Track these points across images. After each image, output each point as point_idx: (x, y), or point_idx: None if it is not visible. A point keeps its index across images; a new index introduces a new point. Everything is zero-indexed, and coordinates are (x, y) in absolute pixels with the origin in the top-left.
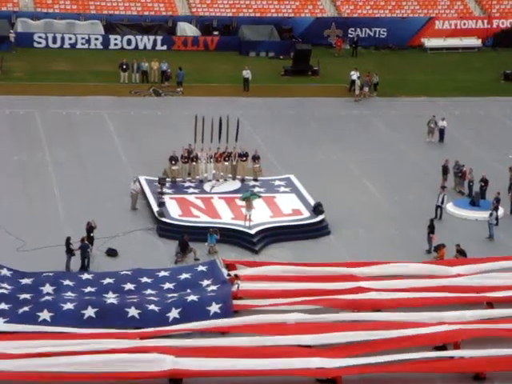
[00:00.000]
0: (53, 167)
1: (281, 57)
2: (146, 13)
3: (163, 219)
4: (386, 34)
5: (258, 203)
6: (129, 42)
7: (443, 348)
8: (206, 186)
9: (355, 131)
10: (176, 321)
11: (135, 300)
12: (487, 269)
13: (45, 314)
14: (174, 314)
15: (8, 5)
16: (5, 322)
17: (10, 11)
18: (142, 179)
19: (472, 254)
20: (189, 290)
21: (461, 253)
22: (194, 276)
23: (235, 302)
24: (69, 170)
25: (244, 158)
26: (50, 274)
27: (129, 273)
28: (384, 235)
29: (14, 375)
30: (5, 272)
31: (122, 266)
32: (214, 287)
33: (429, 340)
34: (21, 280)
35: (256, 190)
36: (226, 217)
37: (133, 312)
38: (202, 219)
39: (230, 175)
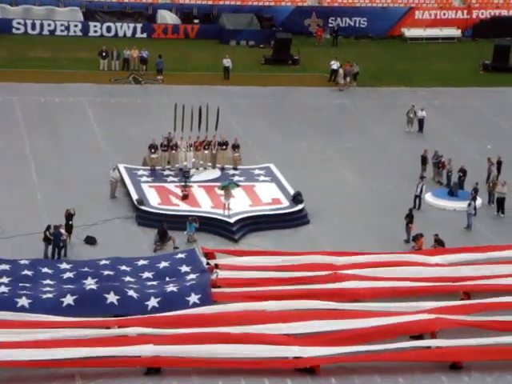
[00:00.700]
0: (32, 155)
1: (261, 45)
2: (126, 0)
3: (142, 207)
4: (366, 23)
5: (237, 192)
6: (108, 30)
7: (420, 337)
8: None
9: (335, 121)
10: (155, 310)
11: (114, 284)
12: (465, 259)
13: (23, 301)
14: (153, 302)
15: None
16: None
17: None
18: (122, 167)
19: (450, 244)
20: (168, 279)
21: (439, 242)
22: (172, 265)
23: (214, 290)
24: (48, 157)
25: (224, 147)
26: (27, 262)
27: (107, 262)
28: (363, 225)
29: None
30: None
31: (100, 254)
32: (193, 276)
33: (406, 329)
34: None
35: (236, 178)
36: (205, 205)
37: (112, 298)
38: (181, 208)
39: (210, 164)
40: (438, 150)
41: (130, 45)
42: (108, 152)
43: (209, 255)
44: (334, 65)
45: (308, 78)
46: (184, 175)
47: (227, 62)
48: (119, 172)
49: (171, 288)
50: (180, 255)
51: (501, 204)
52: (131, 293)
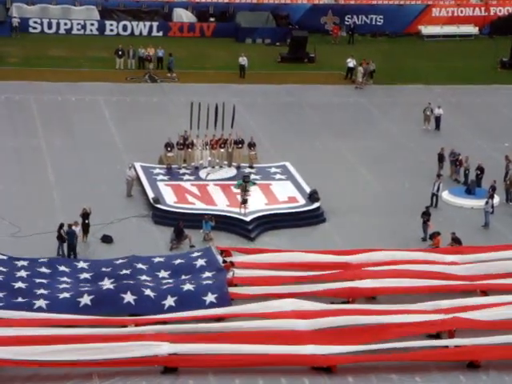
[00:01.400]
0: (48, 153)
1: (277, 44)
2: None
3: (158, 206)
4: (382, 21)
5: (253, 190)
6: (124, 28)
7: (437, 336)
8: (202, 173)
9: (351, 119)
10: (171, 309)
11: (131, 283)
12: (482, 257)
13: (41, 302)
14: (169, 301)
15: None
16: (0, 308)
17: None
18: (138, 166)
19: (467, 242)
20: (184, 278)
21: (456, 241)
22: (188, 263)
23: (231, 289)
24: (64, 156)
25: (240, 145)
26: (45, 260)
27: (124, 260)
28: (379, 223)
29: (12, 362)
30: (1, 257)
31: (116, 252)
32: (209, 274)
33: (424, 328)
34: (16, 262)
35: (252, 177)
36: (221, 204)
37: (128, 298)
38: (197, 206)
39: (226, 162)
40: (455, 147)
41: (146, 43)
42: (124, 150)
43: (225, 253)
44: (351, 63)
45: (324, 76)
46: (244, 179)
47: (243, 61)
48: (135, 170)
49: (188, 287)
50: (196, 253)
51: None
52: (148, 292)
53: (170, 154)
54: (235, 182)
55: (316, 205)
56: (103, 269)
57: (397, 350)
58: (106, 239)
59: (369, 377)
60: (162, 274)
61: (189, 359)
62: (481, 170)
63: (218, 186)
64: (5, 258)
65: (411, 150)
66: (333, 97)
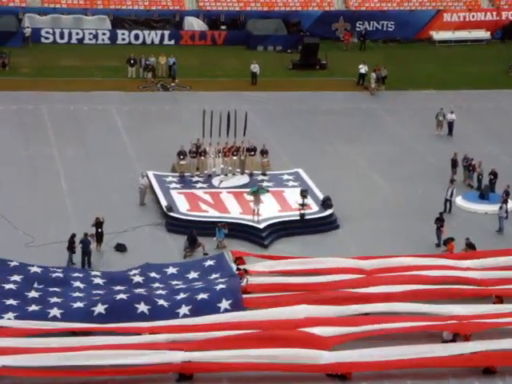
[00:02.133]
0: (61, 162)
1: (288, 51)
2: (154, 7)
3: (172, 214)
4: (393, 27)
5: (266, 198)
6: (136, 37)
7: (453, 341)
8: (215, 181)
9: (364, 125)
10: (186, 317)
11: (144, 293)
12: (496, 262)
13: (55, 311)
14: (184, 310)
15: (15, 0)
16: (15, 317)
17: (17, 7)
18: (151, 174)
19: (481, 248)
20: (198, 286)
21: (470, 246)
22: (202, 271)
23: (245, 296)
24: (77, 165)
25: (252, 153)
26: (58, 270)
27: (137, 271)
28: (393, 229)
29: (27, 372)
30: (14, 263)
31: (130, 261)
32: (222, 281)
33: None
34: (30, 271)
35: (264, 184)
36: (234, 211)
37: (142, 308)
38: (210, 214)
39: (239, 170)
40: (468, 152)
41: (157, 52)
42: (137, 159)
43: (239, 261)
44: (362, 69)
45: (336, 83)
46: (301, 193)
47: (255, 68)
48: (148, 179)
49: (202, 296)
50: (209, 261)
51: None
52: (161, 302)
53: (182, 162)
54: (248, 190)
55: (329, 211)
56: (116, 279)
57: (412, 355)
58: (120, 248)
59: (383, 383)
60: (176, 282)
61: (203, 366)
62: (494, 174)
63: (231, 193)
64: (17, 264)
65: (424, 155)
66: (345, 103)
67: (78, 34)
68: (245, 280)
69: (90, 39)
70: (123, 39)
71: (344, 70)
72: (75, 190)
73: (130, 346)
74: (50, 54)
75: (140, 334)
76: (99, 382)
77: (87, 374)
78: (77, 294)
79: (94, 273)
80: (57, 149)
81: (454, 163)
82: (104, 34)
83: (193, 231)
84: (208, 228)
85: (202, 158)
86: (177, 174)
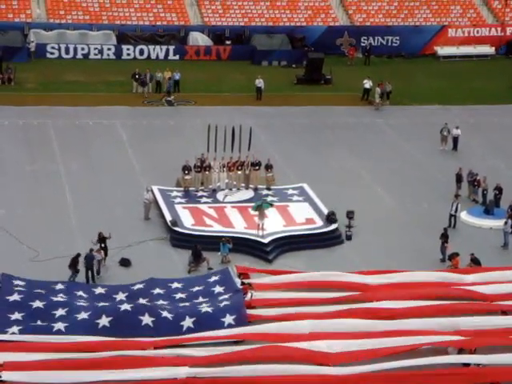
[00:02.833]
0: (66, 177)
1: (293, 66)
2: (159, 23)
3: (176, 229)
4: (398, 42)
5: (271, 212)
6: (141, 52)
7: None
8: (219, 196)
9: (368, 140)
10: (190, 330)
11: (148, 304)
12: (502, 277)
13: (59, 325)
14: (188, 323)
15: (21, 16)
16: (20, 331)
17: (23, 22)
18: (155, 189)
19: (486, 263)
20: (202, 300)
21: (475, 261)
22: (206, 286)
23: (249, 311)
24: (82, 179)
25: (257, 167)
26: (62, 287)
27: (141, 286)
28: (398, 244)
29: None
30: (18, 282)
31: (135, 275)
32: (226, 296)
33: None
34: (34, 289)
35: (269, 199)
36: (239, 226)
37: (146, 320)
38: (214, 228)
39: (243, 184)
40: (473, 168)
41: (162, 67)
42: (141, 174)
43: (243, 276)
44: (367, 84)
45: (341, 98)
46: (348, 215)
47: (259, 83)
48: (153, 193)
49: (206, 309)
50: (214, 277)
51: None
52: (165, 314)
53: (187, 177)
54: (253, 204)
55: (334, 226)
56: (120, 294)
57: (416, 368)
58: (125, 262)
59: None
60: (180, 295)
61: (208, 382)
62: (499, 190)
63: (236, 208)
64: (23, 283)
65: (428, 170)
66: (349, 118)
67: (83, 49)
68: (249, 295)
69: (96, 54)
70: (128, 54)
71: (349, 85)
72: (80, 204)
73: (134, 362)
74: (55, 69)
75: (144, 349)
76: None
77: None
78: (81, 304)
79: (98, 289)
80: (62, 163)
81: (459, 178)
82: (109, 49)
83: (197, 246)
84: (212, 243)
85: (207, 172)
86: (181, 189)
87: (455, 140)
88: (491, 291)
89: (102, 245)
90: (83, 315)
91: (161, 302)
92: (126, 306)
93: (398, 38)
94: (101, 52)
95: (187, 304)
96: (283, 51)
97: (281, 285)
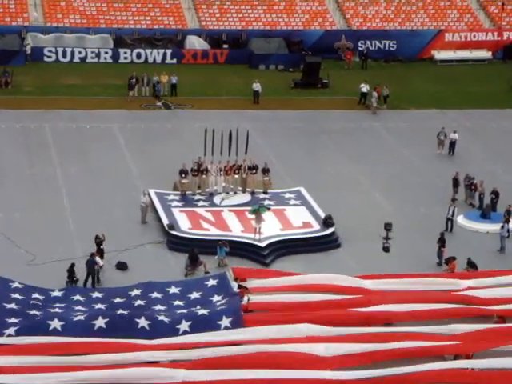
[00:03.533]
0: (63, 181)
1: (290, 69)
2: (156, 26)
3: (173, 232)
4: (395, 46)
5: (268, 216)
6: (138, 56)
7: (454, 359)
8: (216, 199)
9: (365, 144)
10: (186, 333)
11: (145, 310)
12: (498, 281)
13: (55, 323)
14: (184, 326)
15: (18, 19)
16: (16, 331)
17: (20, 26)
18: (152, 192)
19: (483, 267)
20: (198, 303)
21: (472, 265)
22: (204, 290)
23: (245, 315)
24: (79, 183)
25: (254, 171)
26: (59, 294)
27: (138, 292)
28: (394, 248)
29: None
30: (16, 285)
31: (131, 279)
32: (222, 301)
33: (438, 352)
34: (32, 294)
35: (266, 202)
36: (236, 230)
37: (143, 323)
38: (211, 232)
39: (240, 188)
40: (470, 172)
41: (159, 71)
42: (139, 177)
43: (240, 279)
44: (364, 88)
45: (338, 102)
46: (386, 227)
47: (257, 87)
48: (150, 197)
49: (202, 311)
50: (211, 280)
51: None
52: (162, 317)
53: (184, 181)
54: (249, 208)
55: (331, 230)
56: (117, 299)
57: (414, 373)
58: (121, 266)
59: None
60: (177, 302)
61: None
62: (496, 194)
63: (233, 211)
64: (21, 286)
65: (425, 174)
66: (346, 122)
67: (80, 52)
68: (246, 298)
69: (93, 58)
70: (125, 58)
71: (346, 89)
72: (77, 207)
73: (130, 365)
74: (52, 72)
75: (141, 351)
76: None
77: None
78: (78, 312)
79: (95, 294)
80: (59, 167)
81: (456, 182)
82: (106, 52)
83: (194, 249)
84: (209, 246)
85: (204, 176)
86: (178, 193)
87: (452, 144)
88: (488, 295)
89: (101, 247)
90: (79, 317)
91: (158, 306)
92: (122, 308)
93: (395, 42)
94: (98, 55)
95: (184, 307)
96: (280, 55)
97: (278, 287)
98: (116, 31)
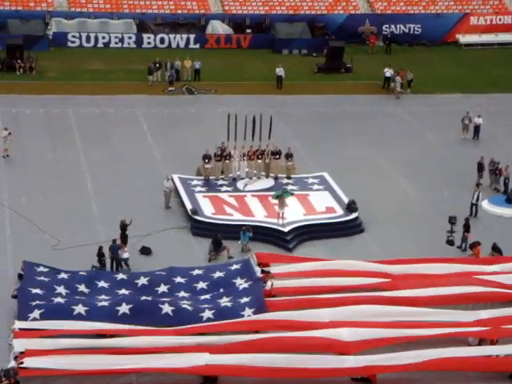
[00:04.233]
0: (87, 166)
1: (314, 54)
2: (179, 11)
3: (196, 217)
4: (420, 30)
5: (291, 201)
6: (162, 41)
7: (479, 345)
8: (240, 184)
9: (389, 128)
10: (210, 321)
11: (169, 297)
12: None
13: (80, 308)
14: (207, 314)
15: (42, 4)
16: (40, 315)
17: (44, 11)
18: (176, 177)
19: (508, 252)
20: (222, 291)
21: (496, 250)
22: (227, 276)
23: (269, 299)
24: (102, 168)
25: (277, 156)
26: (85, 273)
27: (163, 273)
28: (418, 233)
29: (53, 372)
30: (41, 269)
31: (155, 264)
32: (246, 285)
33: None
34: (57, 275)
35: (289, 187)
36: (259, 215)
37: (166, 309)
38: (235, 217)
39: (263, 173)
40: (495, 156)
41: (183, 56)
42: (162, 162)
43: (263, 264)
44: (388, 72)
45: (361, 86)
46: (450, 220)
47: (280, 71)
48: (173, 182)
49: (225, 302)
50: (235, 265)
51: None
52: (185, 306)
53: (207, 166)
54: (273, 193)
55: (354, 215)
56: (142, 281)
57: (438, 359)
58: (145, 251)
59: None
60: (201, 285)
61: (228, 368)
62: None
63: (256, 196)
64: (46, 270)
65: (450, 159)
66: (370, 106)
67: (104, 37)
68: (269, 283)
69: (116, 43)
70: (149, 43)
71: (369, 74)
72: (101, 192)
73: (155, 349)
74: (76, 57)
75: (165, 336)
76: (124, 382)
77: (112, 373)
78: (102, 297)
79: (120, 277)
80: (83, 152)
81: (480, 167)
82: (130, 37)
83: (217, 234)
84: (233, 231)
85: (227, 161)
86: (202, 178)
87: (477, 129)
88: None
89: (125, 232)
90: (103, 302)
91: (182, 293)
92: (146, 295)
93: (419, 25)
94: (121, 41)
95: (207, 297)
96: (304, 40)
97: (301, 272)
98: (139, 16)
